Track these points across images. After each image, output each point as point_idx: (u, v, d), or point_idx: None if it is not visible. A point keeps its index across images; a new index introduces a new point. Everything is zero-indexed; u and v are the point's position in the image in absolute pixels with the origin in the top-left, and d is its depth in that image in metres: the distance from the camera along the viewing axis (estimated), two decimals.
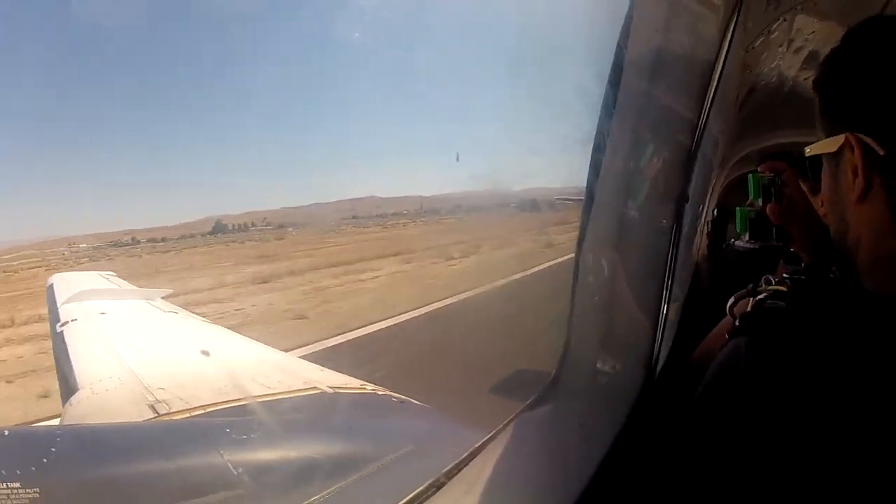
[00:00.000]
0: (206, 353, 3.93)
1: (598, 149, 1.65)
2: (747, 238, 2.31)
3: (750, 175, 2.02)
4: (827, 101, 1.11)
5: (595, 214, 1.69)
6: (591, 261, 1.72)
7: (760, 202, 1.99)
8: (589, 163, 1.68)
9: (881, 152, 0.98)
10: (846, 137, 1.02)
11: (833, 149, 1.07)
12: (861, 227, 1.06)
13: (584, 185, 1.70)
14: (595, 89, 1.69)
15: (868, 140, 0.99)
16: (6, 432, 1.86)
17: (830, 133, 1.07)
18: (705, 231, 4.29)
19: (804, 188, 1.77)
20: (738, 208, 2.21)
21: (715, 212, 4.43)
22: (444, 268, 23.77)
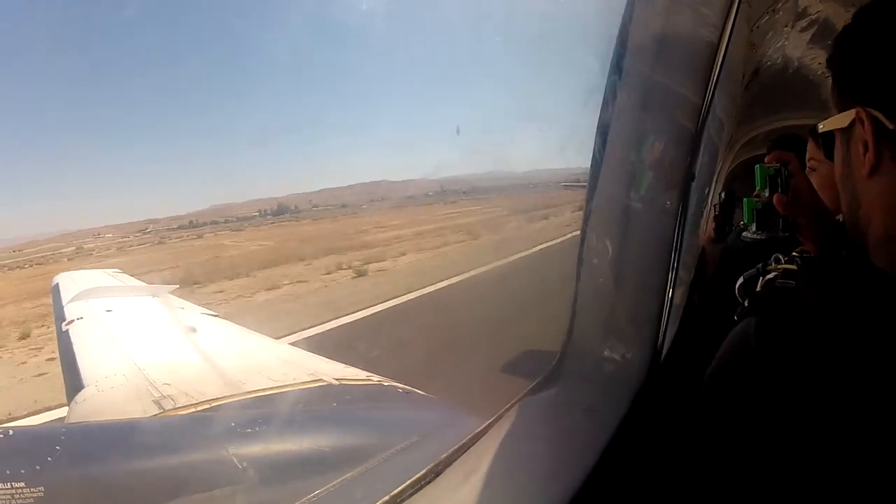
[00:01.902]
0: (211, 344, 3.94)
1: (603, 132, 1.65)
2: (754, 229, 2.35)
3: (757, 166, 2.04)
4: (839, 77, 1.12)
5: (599, 198, 1.69)
6: (595, 244, 1.71)
7: (767, 193, 2.01)
8: (593, 146, 1.68)
9: (890, 126, 0.98)
10: (856, 112, 1.03)
11: (844, 124, 1.08)
12: (872, 202, 1.06)
13: (588, 167, 1.70)
14: (598, 72, 1.69)
15: (877, 114, 0.99)
16: (10, 431, 1.86)
17: (842, 109, 1.08)
18: (712, 214, 4.29)
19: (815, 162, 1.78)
20: (745, 199, 2.23)
21: (722, 195, 4.44)
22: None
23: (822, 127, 1.16)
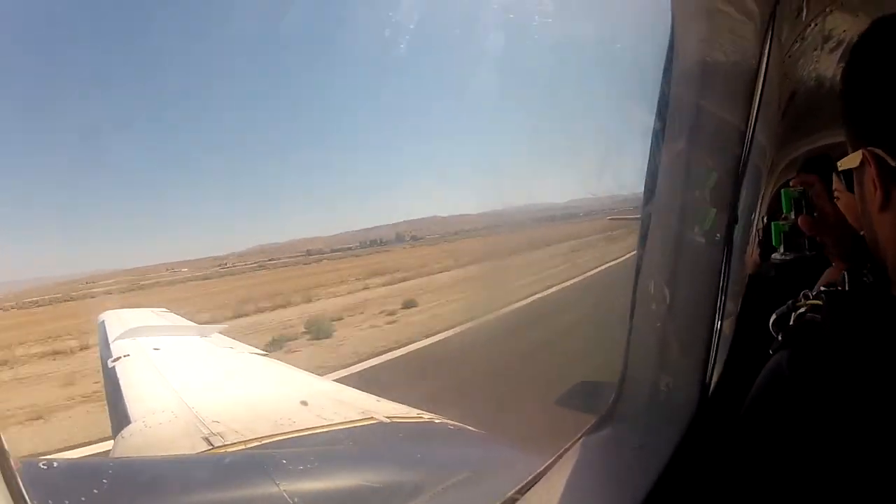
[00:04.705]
0: (265, 383, 3.92)
1: (651, 169, 1.70)
2: (782, 251, 2.36)
3: (782, 190, 2.09)
4: (847, 117, 1.14)
5: (651, 237, 1.73)
6: (648, 282, 1.74)
7: (793, 215, 2.02)
8: (644, 185, 1.73)
9: (893, 164, 1.00)
10: (863, 153, 1.05)
11: (855, 163, 1.10)
12: (885, 235, 1.09)
13: (639, 193, 1.76)
14: (642, 111, 1.79)
15: (881, 153, 1.02)
16: (55, 463, 1.82)
17: (853, 147, 1.10)
18: (757, 240, 4.24)
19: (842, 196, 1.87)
20: (772, 223, 2.26)
21: (765, 219, 4.41)
22: None
23: (840, 167, 1.19)
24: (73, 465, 2.37)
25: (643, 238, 1.73)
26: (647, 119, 1.70)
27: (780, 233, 2.34)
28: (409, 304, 22.05)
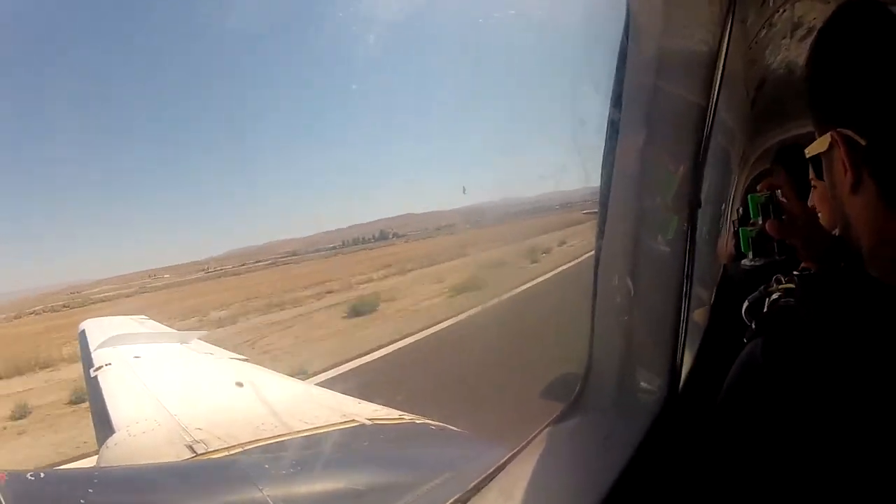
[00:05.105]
0: (242, 388, 3.92)
1: (608, 158, 1.69)
2: (751, 257, 2.40)
3: (749, 196, 2.10)
4: (812, 102, 1.14)
5: (610, 225, 1.71)
6: (609, 271, 1.74)
7: (761, 220, 2.05)
8: (601, 173, 1.71)
9: (862, 143, 1.00)
10: (831, 135, 1.05)
11: (824, 148, 1.09)
12: (859, 217, 1.08)
13: (598, 185, 1.74)
14: (599, 96, 1.75)
15: (849, 133, 1.01)
16: (42, 474, 1.84)
17: (820, 131, 1.10)
18: (731, 231, 4.27)
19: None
20: (740, 229, 2.28)
21: (740, 210, 4.43)
22: None
23: (808, 153, 1.18)
24: (60, 476, 2.38)
25: (600, 233, 1.72)
26: (604, 107, 1.70)
27: (748, 239, 2.34)
28: (534, 260, 27.73)
